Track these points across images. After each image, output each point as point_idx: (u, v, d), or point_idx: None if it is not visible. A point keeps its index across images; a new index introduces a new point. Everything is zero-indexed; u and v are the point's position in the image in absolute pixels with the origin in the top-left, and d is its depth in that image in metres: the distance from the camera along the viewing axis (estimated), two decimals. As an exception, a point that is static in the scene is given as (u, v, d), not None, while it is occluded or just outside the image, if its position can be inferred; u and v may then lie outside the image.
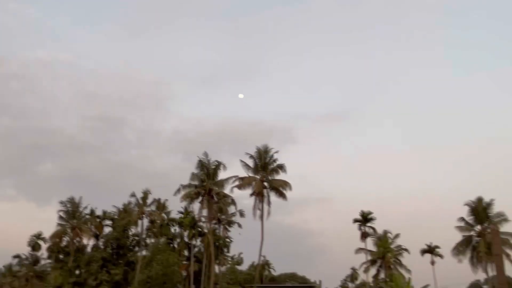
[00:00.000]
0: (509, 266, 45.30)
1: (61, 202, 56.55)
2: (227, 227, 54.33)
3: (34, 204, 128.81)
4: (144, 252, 52.74)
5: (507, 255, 44.68)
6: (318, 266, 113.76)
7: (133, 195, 52.29)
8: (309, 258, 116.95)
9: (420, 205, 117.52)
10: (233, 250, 74.10)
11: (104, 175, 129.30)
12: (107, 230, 57.60)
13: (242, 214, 51.69)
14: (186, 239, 51.50)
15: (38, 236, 62.44)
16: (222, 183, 44.22)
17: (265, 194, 42.61)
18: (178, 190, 43.59)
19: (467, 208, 46.70)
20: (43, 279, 59.93)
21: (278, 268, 74.35)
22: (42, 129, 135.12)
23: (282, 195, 42.38)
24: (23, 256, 63.15)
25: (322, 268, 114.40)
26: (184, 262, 50.38)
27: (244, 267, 68.98)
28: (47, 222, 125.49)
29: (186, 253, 51.89)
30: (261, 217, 42.08)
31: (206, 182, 43.73)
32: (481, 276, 53.03)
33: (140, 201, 52.26)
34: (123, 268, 51.91)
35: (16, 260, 64.06)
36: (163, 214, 55.78)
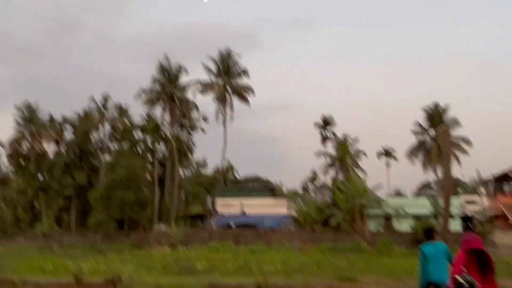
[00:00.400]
0: (458, 168, 48.63)
1: (17, 107, 54.74)
2: (190, 132, 54.43)
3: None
4: (107, 157, 52.76)
5: (457, 158, 47.56)
6: (281, 170, 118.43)
7: (92, 99, 50.83)
8: (273, 163, 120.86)
9: (379, 111, 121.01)
10: (198, 155, 74.21)
11: (62, 81, 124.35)
12: (68, 136, 56.81)
13: (205, 119, 51.71)
14: (150, 145, 51.49)
15: (-4, 142, 60.94)
16: (184, 88, 43.40)
17: (228, 99, 42.34)
18: (139, 95, 42.59)
19: (423, 113, 48.49)
20: (6, 185, 59.72)
21: (242, 172, 76.83)
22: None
23: (244, 100, 42.23)
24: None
25: (285, 172, 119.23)
26: (149, 167, 50.94)
27: (208, 171, 70.85)
28: (4, 128, 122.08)
29: (150, 158, 52.17)
30: (224, 122, 42.23)
31: (167, 86, 42.74)
32: (431, 177, 56.86)
33: (100, 106, 50.97)
34: (87, 173, 52.17)
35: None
36: (126, 120, 54.97)
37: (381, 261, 24.37)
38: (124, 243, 41.63)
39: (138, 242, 41.63)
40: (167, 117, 44.74)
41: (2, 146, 59.29)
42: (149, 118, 49.85)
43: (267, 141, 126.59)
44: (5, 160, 59.27)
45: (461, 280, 5.37)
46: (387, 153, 61.41)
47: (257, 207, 42.11)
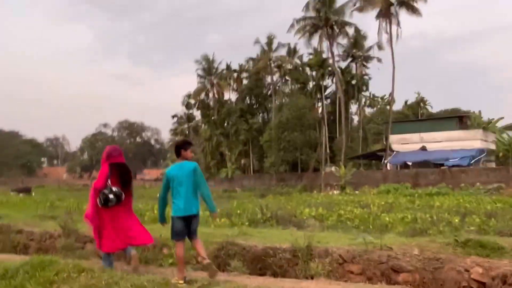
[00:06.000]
0: None
1: (197, 61, 57.52)
2: (364, 63, 48.30)
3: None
4: (277, 100, 51.44)
5: None
6: (492, 103, 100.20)
7: (257, 41, 49.34)
8: (483, 95, 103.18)
9: None
10: (382, 89, 66.84)
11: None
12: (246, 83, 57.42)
13: (380, 47, 44.71)
14: (318, 81, 47.70)
15: (189, 96, 66.41)
16: (341, 10, 37.53)
17: (393, 12, 34.65)
18: (292, 26, 38.69)
19: None
20: (198, 133, 65.13)
21: (439, 106, 66.70)
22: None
23: (413, 10, 33.87)
24: (179, 115, 69.16)
25: (500, 104, 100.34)
26: (319, 105, 47.54)
27: (397, 106, 63.46)
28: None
29: (320, 96, 48.55)
30: (390, 41, 35.00)
31: (322, 11, 37.54)
32: None
33: (266, 48, 49.23)
34: (260, 116, 52.13)
35: (175, 119, 70.73)
36: (296, 59, 52.23)
37: None
38: (296, 186, 40.01)
39: (309, 184, 39.44)
40: (325, 47, 39.79)
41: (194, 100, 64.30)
42: (316, 52, 45.74)
43: (476, 71, 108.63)
44: (196, 111, 64.45)
45: (107, 192, 5.32)
46: None
47: (442, 141, 34.61)
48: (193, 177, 5.17)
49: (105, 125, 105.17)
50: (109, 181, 5.39)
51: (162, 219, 5.57)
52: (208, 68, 56.85)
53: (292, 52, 51.76)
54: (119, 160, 5.63)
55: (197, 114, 64.81)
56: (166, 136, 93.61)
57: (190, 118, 66.65)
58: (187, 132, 66.24)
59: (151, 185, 55.46)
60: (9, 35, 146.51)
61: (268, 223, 11.62)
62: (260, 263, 6.39)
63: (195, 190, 5.21)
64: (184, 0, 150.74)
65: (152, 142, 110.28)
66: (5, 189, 39.65)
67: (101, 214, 5.42)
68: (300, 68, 50.65)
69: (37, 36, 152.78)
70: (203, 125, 60.64)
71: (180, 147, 5.36)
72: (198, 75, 57.27)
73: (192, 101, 63.45)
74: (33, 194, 32.72)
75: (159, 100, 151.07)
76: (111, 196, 5.31)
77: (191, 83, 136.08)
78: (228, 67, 57.85)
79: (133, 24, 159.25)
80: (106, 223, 5.43)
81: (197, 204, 5.24)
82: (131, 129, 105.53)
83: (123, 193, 5.44)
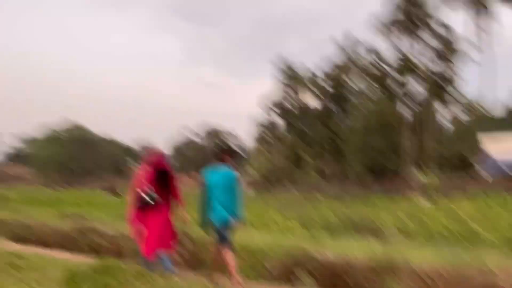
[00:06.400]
0: None
1: (277, 66, 57.43)
2: (456, 63, 44.90)
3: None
4: (361, 102, 49.69)
5: None
6: None
7: (337, 44, 48.15)
8: None
9: None
10: (477, 92, 62.44)
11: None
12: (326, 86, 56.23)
13: (475, 47, 41.19)
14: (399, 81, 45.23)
15: (269, 101, 66.53)
16: (429, 6, 35.15)
17: (492, 7, 31.55)
18: (373, 25, 37.08)
19: None
20: (278, 139, 64.97)
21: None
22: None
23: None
24: (259, 122, 69.37)
25: None
26: (401, 108, 45.05)
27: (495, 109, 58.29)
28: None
29: (402, 97, 45.99)
30: (487, 40, 31.91)
31: (402, 4, 35.43)
32: None
33: (347, 50, 47.89)
34: (341, 121, 50.79)
35: (256, 125, 71.01)
36: (378, 60, 50.17)
37: None
38: (378, 192, 38.24)
39: (392, 190, 37.48)
40: (406, 44, 37.37)
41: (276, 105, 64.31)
42: (399, 52, 43.47)
43: None
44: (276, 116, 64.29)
45: (142, 194, 5.37)
46: None
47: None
48: (231, 183, 5.35)
49: (191, 132, 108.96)
50: (150, 184, 5.45)
51: (204, 224, 5.56)
52: (288, 73, 56.66)
53: (374, 53, 49.79)
54: (159, 164, 5.65)
55: (277, 119, 64.64)
56: (247, 142, 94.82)
57: (270, 124, 66.71)
58: (267, 138, 66.37)
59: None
60: (94, 39, 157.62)
61: (345, 231, 10.91)
62: (334, 278, 5.77)
63: (232, 194, 5.33)
64: (263, 5, 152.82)
65: (236, 149, 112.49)
66: (98, 190, 42.64)
67: (141, 218, 5.42)
68: (383, 70, 48.53)
69: (123, 43, 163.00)
70: (283, 131, 60.44)
71: (218, 151, 5.64)
72: (279, 81, 57.30)
73: (273, 107, 63.48)
74: (121, 194, 34.54)
75: (240, 106, 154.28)
76: (146, 198, 5.36)
77: (272, 88, 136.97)
78: (308, 71, 57.12)
79: (216, 32, 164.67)
80: (147, 227, 5.40)
81: (235, 208, 5.35)
82: (217, 136, 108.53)
83: (158, 196, 5.39)
